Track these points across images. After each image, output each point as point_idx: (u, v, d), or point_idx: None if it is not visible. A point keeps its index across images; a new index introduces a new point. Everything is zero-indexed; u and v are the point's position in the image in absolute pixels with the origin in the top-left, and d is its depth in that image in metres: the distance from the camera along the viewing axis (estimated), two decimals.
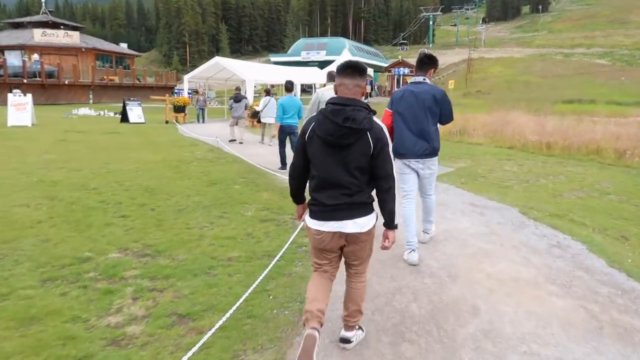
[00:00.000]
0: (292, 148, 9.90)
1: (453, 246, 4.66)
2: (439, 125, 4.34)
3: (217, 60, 20.95)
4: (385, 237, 2.67)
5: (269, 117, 13.01)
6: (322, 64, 34.95)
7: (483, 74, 67.25)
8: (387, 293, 3.58)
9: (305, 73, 28.33)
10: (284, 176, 8.09)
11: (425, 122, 4.14)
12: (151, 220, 5.32)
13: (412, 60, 62.81)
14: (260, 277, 3.49)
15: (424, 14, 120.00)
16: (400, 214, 3.45)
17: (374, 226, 2.63)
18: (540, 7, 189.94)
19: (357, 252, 2.67)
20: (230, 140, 13.94)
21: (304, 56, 45.55)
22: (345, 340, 2.83)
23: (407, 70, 44.17)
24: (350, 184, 2.48)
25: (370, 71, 37.95)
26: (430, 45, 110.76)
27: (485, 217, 5.81)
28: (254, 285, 3.32)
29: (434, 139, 4.23)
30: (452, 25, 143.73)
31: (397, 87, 44.59)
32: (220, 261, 4.10)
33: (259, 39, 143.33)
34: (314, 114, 2.58)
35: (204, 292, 3.46)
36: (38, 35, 36.99)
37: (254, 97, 22.35)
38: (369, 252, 2.73)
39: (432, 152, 4.27)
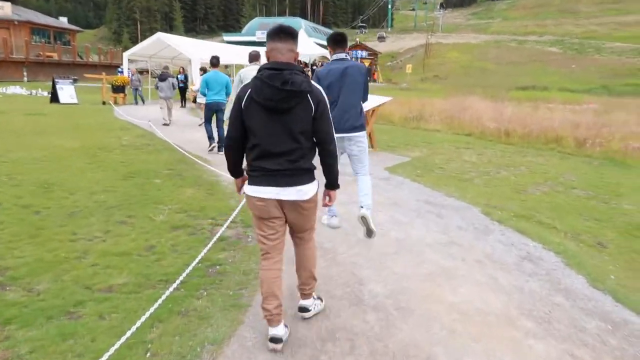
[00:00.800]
0: (217, 125, 8.96)
1: (405, 263, 3.77)
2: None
3: (159, 36, 19.27)
4: (327, 195, 2.76)
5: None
6: None
7: (440, 59, 67.26)
8: (316, 340, 2.64)
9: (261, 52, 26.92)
10: (215, 168, 7.02)
11: (354, 96, 4.17)
12: (28, 229, 4.16)
13: (370, 44, 62.14)
14: (141, 320, 2.49)
15: None
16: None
17: (317, 193, 2.58)
18: None
19: (300, 221, 2.62)
20: (163, 124, 12.87)
21: (258, 36, 43.79)
22: (304, 309, 2.86)
23: (365, 53, 43.33)
24: (294, 149, 2.41)
25: (327, 53, 36.80)
26: (389, 29, 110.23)
27: (443, 219, 4.97)
28: (124, 337, 2.32)
29: (360, 115, 4.25)
30: (410, 10, 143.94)
31: None
32: (96, 292, 3.04)
33: (215, 18, 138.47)
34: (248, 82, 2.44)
35: (52, 348, 2.41)
36: None
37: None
38: (313, 220, 2.70)
39: (360, 126, 4.26)
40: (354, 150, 4.28)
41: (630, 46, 68.81)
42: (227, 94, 8.83)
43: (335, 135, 3.63)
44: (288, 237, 2.72)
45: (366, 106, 8.85)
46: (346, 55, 4.23)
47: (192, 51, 19.33)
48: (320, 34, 50.79)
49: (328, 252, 3.95)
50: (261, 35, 44.08)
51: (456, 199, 5.85)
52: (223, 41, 47.57)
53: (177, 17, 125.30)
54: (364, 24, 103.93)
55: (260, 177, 2.44)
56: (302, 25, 37.74)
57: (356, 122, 4.20)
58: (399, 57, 76.71)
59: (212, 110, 8.87)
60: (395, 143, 10.78)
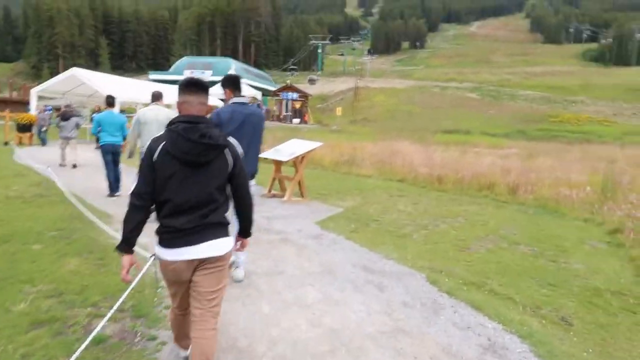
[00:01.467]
0: (107, 168, 8.15)
1: None
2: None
3: (74, 72, 17.72)
4: (239, 241, 2.73)
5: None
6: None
7: (369, 102, 69.26)
8: None
9: None
10: (113, 231, 5.87)
11: (255, 143, 4.13)
12: None
13: (301, 86, 62.80)
14: None
15: (313, 42, 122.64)
16: None
17: (230, 252, 2.46)
18: (418, 43, 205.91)
19: (209, 282, 2.40)
20: (60, 165, 11.94)
21: (187, 75, 42.66)
22: None
23: (296, 95, 43.39)
24: (208, 204, 2.35)
25: (258, 94, 36.37)
26: (319, 72, 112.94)
27: (385, 293, 4.20)
28: None
29: (256, 161, 4.25)
30: (339, 55, 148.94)
31: (285, 111, 43.59)
32: None
33: (144, 56, 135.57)
34: (161, 133, 2.38)
35: None
36: None
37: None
38: (224, 282, 2.49)
39: (254, 174, 4.24)
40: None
41: (540, 94, 74.76)
42: (124, 137, 8.32)
43: None
44: None
45: (296, 152, 8.11)
46: (246, 99, 4.17)
47: (109, 89, 17.94)
48: (251, 75, 50.56)
49: (243, 354, 3.01)
50: (190, 75, 42.78)
51: (396, 262, 5.14)
52: (149, 79, 46.04)
53: (103, 54, 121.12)
54: (295, 67, 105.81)
55: (172, 238, 2.32)
56: (232, 66, 37.22)
57: (253, 170, 4.20)
58: (329, 100, 78.23)
59: (109, 153, 8.26)
60: (326, 190, 10.11)
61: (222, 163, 2.34)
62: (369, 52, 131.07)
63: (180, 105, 2.40)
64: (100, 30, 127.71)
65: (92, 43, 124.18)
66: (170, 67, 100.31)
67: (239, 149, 2.44)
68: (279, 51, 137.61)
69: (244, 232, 2.69)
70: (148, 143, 2.35)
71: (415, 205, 8.98)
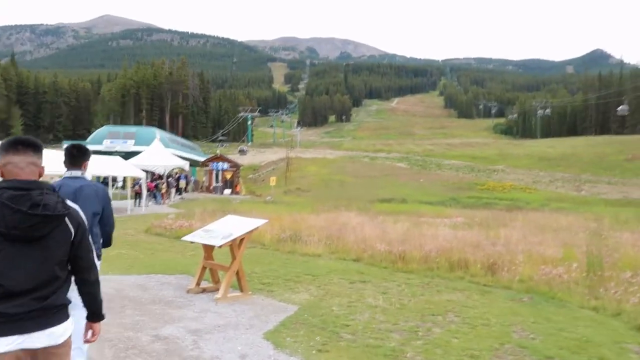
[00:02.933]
0: None
1: None
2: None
3: None
4: (89, 328, 2.35)
5: None
6: (129, 155, 29.88)
7: (301, 172, 68.63)
8: None
9: (100, 162, 23.04)
10: None
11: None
12: None
13: (231, 156, 61.04)
14: None
15: (242, 114, 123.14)
16: None
17: (71, 336, 2.15)
18: (344, 117, 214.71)
19: None
20: None
21: (107, 145, 39.42)
22: None
23: (226, 165, 41.37)
24: (45, 284, 2.00)
25: (186, 165, 34.02)
26: (249, 144, 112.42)
27: None
28: None
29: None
30: (269, 127, 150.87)
31: (215, 182, 41.25)
32: None
33: (63, 127, 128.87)
34: None
35: None
36: None
37: None
38: None
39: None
40: None
41: (463, 163, 78.11)
42: None
43: None
44: None
45: (234, 233, 6.16)
46: (82, 174, 3.74)
47: None
48: (178, 145, 48.15)
49: None
50: (110, 145, 39.85)
51: None
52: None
53: (15, 125, 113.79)
54: (225, 138, 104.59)
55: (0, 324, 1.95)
56: (157, 135, 34.84)
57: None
58: (260, 170, 76.96)
59: None
60: (270, 278, 8.04)
61: (62, 234, 2.05)
62: (299, 123, 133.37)
63: (3, 168, 2.03)
64: (13, 100, 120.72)
65: (4, 114, 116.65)
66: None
67: (82, 216, 2.16)
68: (207, 123, 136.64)
69: (94, 316, 2.32)
70: None
71: (385, 295, 7.11)
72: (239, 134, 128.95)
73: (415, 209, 29.01)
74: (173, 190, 31.29)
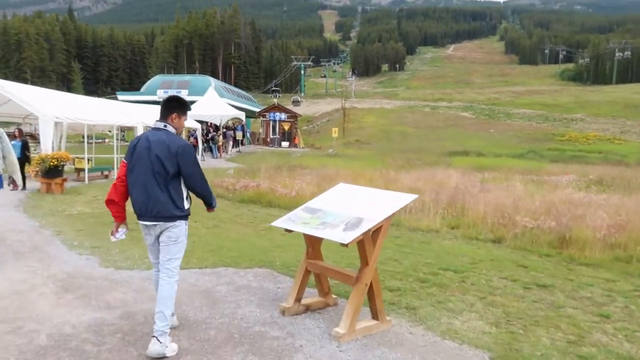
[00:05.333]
0: None
1: None
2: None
3: None
4: None
5: None
6: None
7: (358, 123, 65.04)
8: None
9: (156, 112, 20.83)
10: None
11: (150, 177, 3.32)
12: None
13: (289, 106, 58.21)
14: None
15: (295, 63, 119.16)
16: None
17: None
18: (397, 66, 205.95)
19: None
20: None
21: (160, 95, 37.47)
22: None
23: (284, 116, 38.60)
24: None
25: (242, 115, 31.56)
26: (302, 94, 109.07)
27: None
28: None
29: (170, 199, 3.35)
30: (321, 77, 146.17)
31: (272, 134, 38.76)
32: None
33: (120, 80, 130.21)
34: None
35: None
36: None
37: (59, 145, 14.24)
38: None
39: (167, 216, 3.36)
40: (163, 238, 3.41)
41: (535, 112, 71.65)
42: None
43: (145, 222, 3.39)
44: None
45: (368, 215, 3.19)
46: (165, 126, 3.44)
47: (40, 106, 12.88)
48: (233, 95, 45.73)
49: None
50: (164, 95, 37.83)
51: None
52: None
53: (76, 79, 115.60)
54: (278, 89, 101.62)
55: None
56: (212, 84, 32.42)
57: (162, 209, 3.34)
58: (314, 121, 73.92)
59: None
60: (396, 277, 5.33)
61: None
62: (353, 72, 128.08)
63: None
64: (73, 54, 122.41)
65: (64, 68, 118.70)
66: None
67: None
68: (259, 73, 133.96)
69: None
70: None
71: (612, 322, 4.17)
72: (291, 85, 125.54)
73: (502, 163, 25.30)
74: (230, 143, 29.01)
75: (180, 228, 3.44)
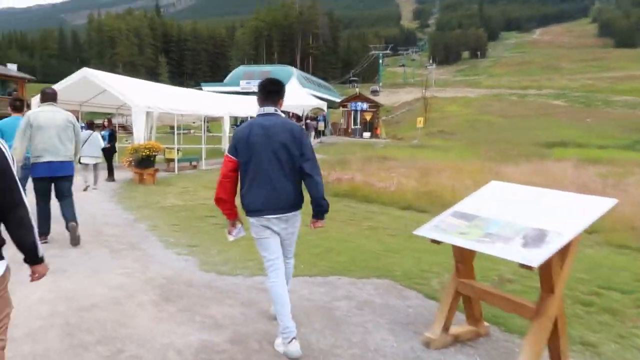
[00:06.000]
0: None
1: None
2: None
3: (85, 73, 12.88)
4: (35, 272, 2.14)
5: (89, 156, 10.20)
6: None
7: (440, 112, 62.41)
8: None
9: (240, 102, 20.76)
10: None
11: (280, 164, 3.09)
12: None
13: (370, 95, 57.12)
14: None
15: (374, 52, 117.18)
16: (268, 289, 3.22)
17: (6, 272, 1.98)
18: (479, 53, 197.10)
19: None
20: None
21: (243, 86, 37.99)
22: None
23: (365, 105, 37.58)
24: None
25: (323, 106, 31.02)
26: (380, 84, 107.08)
27: None
28: None
29: (295, 187, 3.19)
30: (400, 66, 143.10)
31: (354, 125, 37.90)
32: None
33: (202, 73, 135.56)
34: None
35: None
36: None
37: (149, 135, 14.31)
38: (3, 306, 2.01)
39: (295, 204, 3.20)
40: (287, 232, 3.26)
41: (638, 99, 64.89)
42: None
43: (268, 218, 3.13)
44: None
45: (553, 226, 2.20)
46: (275, 110, 3.21)
47: (133, 96, 12.93)
48: (314, 84, 45.45)
49: None
50: (246, 85, 38.37)
51: None
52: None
53: (162, 72, 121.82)
54: (356, 78, 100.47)
55: None
56: (293, 73, 32.14)
57: (289, 199, 3.15)
58: (394, 111, 72.03)
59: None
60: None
61: None
62: (433, 60, 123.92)
63: None
64: (160, 49, 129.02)
65: (152, 62, 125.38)
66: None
67: (6, 148, 2.00)
68: (337, 63, 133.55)
69: (31, 260, 2.10)
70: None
71: None
72: (368, 75, 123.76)
73: (612, 155, 22.68)
74: (312, 134, 28.55)
75: (300, 217, 3.33)
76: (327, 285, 4.47)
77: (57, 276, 4.29)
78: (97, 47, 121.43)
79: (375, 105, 38.84)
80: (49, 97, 5.61)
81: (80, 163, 9.60)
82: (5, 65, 34.89)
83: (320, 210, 3.21)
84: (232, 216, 3.31)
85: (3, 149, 1.99)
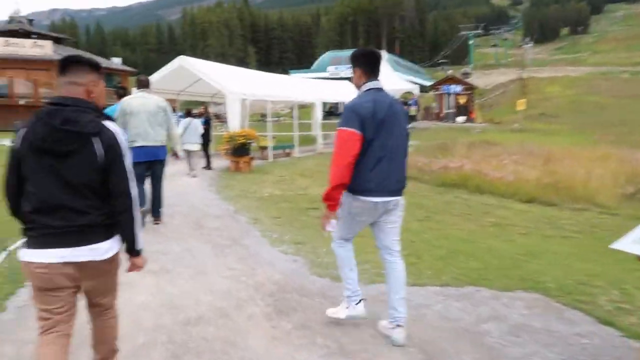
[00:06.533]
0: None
1: None
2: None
3: (181, 61, 12.92)
4: (132, 263, 2.22)
5: (191, 142, 10.27)
6: None
7: (539, 94, 57.78)
8: None
9: (330, 88, 20.20)
10: None
11: (404, 142, 2.99)
12: None
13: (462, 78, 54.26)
14: None
15: (463, 32, 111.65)
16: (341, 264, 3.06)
17: (118, 253, 2.12)
18: (580, 28, 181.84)
19: (99, 287, 2.11)
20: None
21: (331, 72, 37.46)
22: None
23: (459, 88, 35.49)
24: (78, 204, 1.96)
25: (415, 89, 29.65)
26: (471, 66, 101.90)
27: None
28: None
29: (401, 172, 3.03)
30: (492, 46, 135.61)
31: (447, 109, 36.04)
32: None
33: (289, 61, 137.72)
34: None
35: None
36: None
37: (243, 123, 14.15)
38: (114, 286, 2.20)
39: (404, 186, 3.07)
40: (395, 217, 3.00)
41: None
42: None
43: (380, 200, 2.85)
44: None
45: None
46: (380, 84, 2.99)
47: (226, 84, 12.79)
48: (405, 68, 43.93)
49: None
50: (335, 71, 37.79)
51: None
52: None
53: (251, 62, 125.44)
54: (446, 60, 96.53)
55: (41, 237, 1.94)
56: (385, 56, 31.00)
57: (404, 178, 3.02)
58: (487, 94, 68.09)
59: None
60: None
61: (89, 155, 1.94)
62: (531, 37, 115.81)
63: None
64: (248, 39, 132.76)
65: (241, 52, 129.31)
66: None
67: (119, 138, 2.03)
68: (424, 47, 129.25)
69: (128, 249, 2.16)
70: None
71: None
72: (456, 57, 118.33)
73: None
74: None
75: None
76: (464, 300, 3.69)
77: (160, 277, 3.93)
78: (190, 40, 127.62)
79: (470, 88, 36.58)
80: (142, 84, 5.99)
81: (183, 150, 9.57)
82: (111, 60, 37.26)
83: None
84: (337, 207, 2.91)
85: (117, 139, 2.00)
